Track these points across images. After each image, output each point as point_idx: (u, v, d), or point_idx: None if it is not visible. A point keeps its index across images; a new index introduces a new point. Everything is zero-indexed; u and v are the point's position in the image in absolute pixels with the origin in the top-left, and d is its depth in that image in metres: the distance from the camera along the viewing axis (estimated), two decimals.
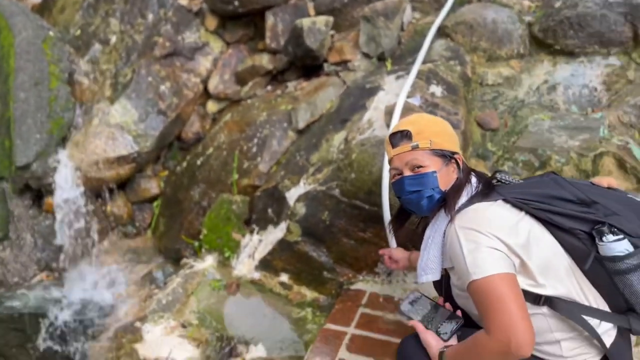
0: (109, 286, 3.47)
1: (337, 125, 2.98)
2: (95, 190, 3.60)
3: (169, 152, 3.93)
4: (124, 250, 3.69)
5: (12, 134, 3.42)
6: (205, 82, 3.95)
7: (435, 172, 1.67)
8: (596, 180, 1.68)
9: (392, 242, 2.41)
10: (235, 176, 3.30)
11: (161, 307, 2.86)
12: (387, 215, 2.45)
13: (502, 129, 2.77)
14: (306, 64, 3.58)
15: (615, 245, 1.43)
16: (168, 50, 3.87)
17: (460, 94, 2.83)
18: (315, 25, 3.41)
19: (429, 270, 1.67)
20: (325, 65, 3.52)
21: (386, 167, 2.44)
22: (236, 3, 3.77)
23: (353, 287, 2.73)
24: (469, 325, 1.67)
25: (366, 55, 3.42)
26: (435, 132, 1.72)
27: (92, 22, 4.01)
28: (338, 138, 2.90)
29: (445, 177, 1.69)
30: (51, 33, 3.79)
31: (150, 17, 3.92)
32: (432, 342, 1.63)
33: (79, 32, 4.01)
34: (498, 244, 1.44)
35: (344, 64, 3.46)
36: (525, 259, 1.45)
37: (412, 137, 1.70)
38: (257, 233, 3.05)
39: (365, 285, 2.72)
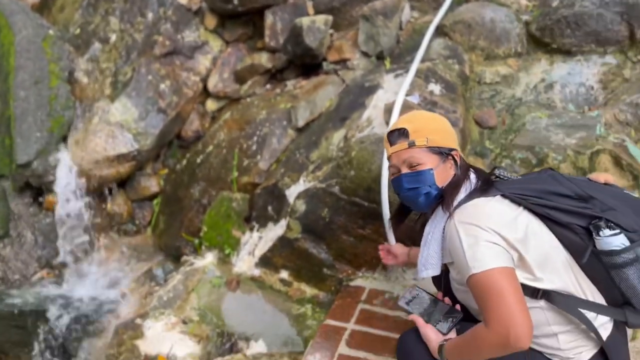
0: (109, 284, 3.48)
1: (337, 123, 3.00)
2: (95, 188, 3.61)
3: (169, 150, 3.95)
4: (124, 248, 3.70)
5: (12, 132, 3.44)
6: (204, 80, 3.97)
7: (431, 169, 1.70)
8: (593, 176, 1.71)
9: (391, 238, 2.44)
10: (235, 174, 3.32)
11: (162, 304, 2.88)
12: (386, 212, 2.47)
13: (500, 127, 2.80)
14: (305, 62, 3.60)
15: (612, 240, 1.46)
16: (168, 49, 3.88)
17: (459, 92, 2.86)
18: (315, 24, 3.43)
19: (429, 265, 1.70)
20: (324, 64, 3.54)
21: (385, 165, 2.46)
22: (235, 2, 3.79)
23: (352, 283, 2.75)
24: (467, 319, 1.69)
25: (365, 54, 3.44)
26: (432, 129, 1.75)
27: (92, 21, 4.02)
28: (337, 136, 2.93)
29: (442, 174, 1.71)
30: (51, 32, 3.81)
31: (150, 15, 3.93)
32: (432, 335, 1.65)
33: (78, 30, 4.02)
34: (497, 239, 1.46)
35: (343, 62, 3.48)
36: (524, 253, 1.47)
37: (409, 135, 1.73)
38: (257, 230, 3.07)
39: (365, 281, 2.74)
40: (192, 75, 3.92)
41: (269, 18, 3.81)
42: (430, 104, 2.72)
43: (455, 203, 1.64)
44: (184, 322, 2.78)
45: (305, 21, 3.43)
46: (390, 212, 2.44)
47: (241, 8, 3.83)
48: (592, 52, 2.97)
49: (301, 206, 2.81)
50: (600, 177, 1.70)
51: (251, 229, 3.11)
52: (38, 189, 3.58)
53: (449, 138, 1.77)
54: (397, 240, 2.43)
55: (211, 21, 4.05)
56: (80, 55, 3.91)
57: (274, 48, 3.78)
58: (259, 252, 3.00)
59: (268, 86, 3.80)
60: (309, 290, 2.89)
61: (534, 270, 1.49)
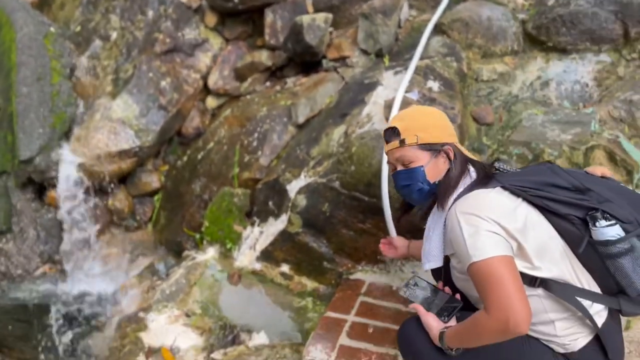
0: (110, 278, 3.52)
1: (337, 119, 3.04)
2: (97, 184, 3.64)
3: (169, 146, 3.98)
4: (125, 243, 3.74)
5: (15, 128, 3.46)
6: (205, 78, 4.01)
7: (422, 166, 1.75)
8: (590, 169, 1.75)
9: (392, 231, 2.49)
10: (237, 170, 3.35)
11: (165, 297, 2.92)
12: (386, 207, 2.51)
13: (497, 124, 2.85)
14: (305, 60, 3.64)
15: (608, 230, 1.50)
16: (168, 47, 3.92)
17: (457, 89, 2.91)
18: (315, 22, 3.47)
19: (432, 257, 1.75)
20: (324, 61, 3.58)
21: (385, 160, 2.51)
22: (236, 0, 3.83)
23: (352, 276, 2.80)
24: (467, 308, 1.74)
25: (364, 52, 3.48)
26: (423, 126, 1.79)
27: (92, 19, 4.05)
28: (338, 132, 2.97)
29: (434, 170, 1.76)
30: (52, 29, 3.84)
31: (150, 13, 3.96)
32: (433, 323, 1.70)
33: (79, 28, 4.05)
34: (497, 228, 1.50)
35: (342, 60, 3.52)
36: (523, 242, 1.52)
37: (400, 133, 1.78)
38: (258, 225, 3.11)
39: (365, 275, 2.79)
40: (193, 72, 3.95)
41: (268, 16, 3.85)
42: (429, 101, 2.77)
43: (451, 199, 1.68)
44: (187, 315, 2.83)
45: (305, 19, 3.46)
46: (391, 206, 2.50)
47: (241, 6, 3.87)
48: (587, 51, 3.02)
49: (302, 201, 2.85)
50: (597, 170, 1.74)
51: (252, 224, 3.15)
52: (40, 185, 3.61)
53: (442, 133, 1.80)
54: (398, 233, 2.48)
55: (211, 19, 4.08)
56: (81, 52, 3.94)
57: (274, 46, 3.82)
58: (260, 247, 3.04)
59: (268, 84, 3.84)
60: (309, 284, 2.93)
61: (533, 260, 1.54)
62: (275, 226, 3.00)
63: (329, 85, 3.39)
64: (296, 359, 2.43)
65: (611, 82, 2.88)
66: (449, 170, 1.76)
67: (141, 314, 2.88)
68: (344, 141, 2.85)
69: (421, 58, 3.02)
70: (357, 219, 2.73)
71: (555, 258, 1.57)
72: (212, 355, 2.59)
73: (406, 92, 2.76)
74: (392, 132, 1.81)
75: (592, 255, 1.55)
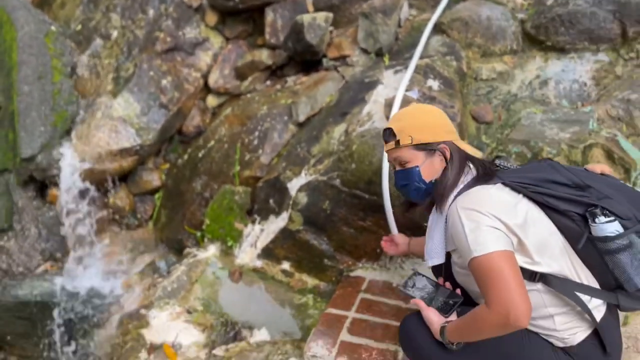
0: (112, 276, 3.53)
1: (337, 118, 3.06)
2: (98, 182, 3.66)
3: (170, 145, 4.00)
4: (126, 241, 3.75)
5: (16, 126, 3.48)
6: (205, 76, 4.02)
7: (417, 167, 1.78)
8: (590, 166, 1.78)
9: (394, 228, 2.51)
10: (237, 168, 3.37)
11: (166, 294, 2.94)
12: (387, 204, 2.54)
13: (496, 122, 2.87)
14: (305, 59, 3.65)
15: (607, 227, 1.53)
16: (169, 45, 3.93)
17: (456, 88, 2.93)
18: (316, 21, 3.49)
19: (434, 254, 1.78)
20: (324, 60, 3.60)
21: (386, 158, 2.53)
22: None
23: (353, 274, 2.82)
24: (467, 303, 1.76)
25: (364, 51, 3.50)
26: (417, 127, 1.81)
27: (93, 18, 4.06)
28: (338, 130, 2.99)
29: (430, 169, 1.79)
30: (53, 28, 3.85)
31: (150, 12, 3.98)
32: (434, 318, 1.72)
33: (79, 27, 4.06)
34: (498, 224, 1.53)
35: (342, 59, 3.54)
36: (523, 238, 1.54)
37: (396, 134, 1.82)
38: (259, 223, 3.13)
39: (365, 272, 2.81)
40: (193, 71, 3.97)
41: (269, 15, 3.86)
42: (428, 99, 2.79)
43: (449, 198, 1.71)
44: (189, 312, 2.84)
45: (306, 18, 3.48)
46: (392, 204, 2.52)
47: (242, 5, 3.88)
48: (586, 50, 3.05)
49: (303, 199, 2.87)
50: (596, 167, 1.77)
51: (253, 222, 3.16)
52: (42, 183, 3.62)
53: (437, 132, 1.81)
54: (399, 230, 2.50)
55: (212, 18, 4.10)
56: (81, 51, 3.95)
57: (274, 45, 3.83)
58: (260, 244, 3.05)
59: (268, 82, 3.86)
60: (310, 281, 2.95)
61: (533, 255, 1.56)
62: (276, 224, 3.02)
63: (329, 84, 3.41)
64: (297, 355, 2.45)
65: (609, 81, 2.91)
66: (445, 168, 1.78)
67: (143, 311, 2.90)
68: (344, 139, 2.87)
69: (421, 57, 3.04)
70: (357, 217, 2.75)
71: (555, 254, 1.59)
72: (214, 352, 2.61)
73: (406, 90, 2.78)
74: (388, 133, 1.85)
75: (592, 251, 1.58)
